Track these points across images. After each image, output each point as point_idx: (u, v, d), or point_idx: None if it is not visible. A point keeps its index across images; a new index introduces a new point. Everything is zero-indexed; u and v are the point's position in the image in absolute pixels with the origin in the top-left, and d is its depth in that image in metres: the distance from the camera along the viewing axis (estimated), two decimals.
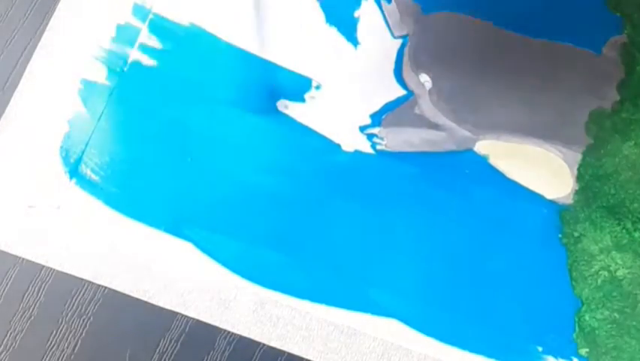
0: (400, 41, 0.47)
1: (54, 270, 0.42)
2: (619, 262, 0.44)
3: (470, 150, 0.46)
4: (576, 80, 0.47)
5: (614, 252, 0.44)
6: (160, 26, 0.47)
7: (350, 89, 0.46)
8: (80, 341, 0.42)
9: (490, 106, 0.46)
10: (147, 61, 0.46)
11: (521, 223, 0.44)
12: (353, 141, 0.46)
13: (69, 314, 0.42)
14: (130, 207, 0.43)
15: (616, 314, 0.43)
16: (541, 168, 0.46)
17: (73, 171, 0.44)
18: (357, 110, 0.46)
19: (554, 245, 0.44)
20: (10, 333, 0.41)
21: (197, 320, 0.42)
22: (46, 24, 0.46)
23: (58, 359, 0.41)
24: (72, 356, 0.41)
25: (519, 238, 0.44)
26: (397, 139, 0.46)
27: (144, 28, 0.47)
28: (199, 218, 0.43)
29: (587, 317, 0.43)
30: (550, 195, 0.45)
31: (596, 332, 0.43)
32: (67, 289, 0.42)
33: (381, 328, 0.42)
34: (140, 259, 0.43)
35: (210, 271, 0.43)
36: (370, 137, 0.46)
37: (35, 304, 0.42)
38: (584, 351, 0.43)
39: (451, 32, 0.47)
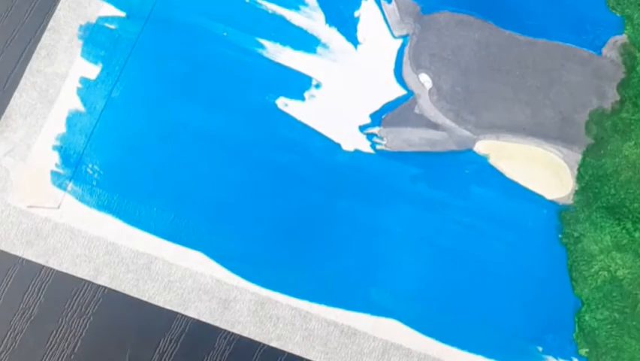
0: (400, 41, 0.47)
1: (54, 270, 0.42)
2: (619, 262, 0.44)
3: (470, 150, 0.46)
4: (576, 81, 0.47)
5: (614, 252, 0.44)
6: (160, 23, 0.47)
7: (350, 88, 0.46)
8: (80, 341, 0.42)
9: (490, 106, 0.46)
10: (146, 59, 0.46)
11: (521, 223, 0.44)
12: (353, 141, 0.46)
13: (69, 314, 0.42)
14: (129, 208, 0.43)
15: (616, 314, 0.43)
16: (541, 168, 0.46)
17: (73, 171, 0.44)
18: (357, 110, 0.46)
19: (554, 245, 0.44)
20: (10, 333, 0.41)
21: (197, 320, 0.42)
22: (46, 24, 0.46)
23: (58, 359, 0.41)
24: (72, 356, 0.41)
25: (519, 238, 0.44)
26: (397, 139, 0.46)
27: (144, 24, 0.47)
28: (198, 218, 0.43)
29: (587, 317, 0.43)
30: (550, 195, 0.45)
31: (596, 332, 0.43)
32: (67, 289, 0.42)
33: (381, 328, 0.42)
34: (140, 259, 0.43)
35: (210, 271, 0.43)
36: (370, 137, 0.46)
37: (35, 304, 0.42)
38: (584, 351, 0.43)
39: (451, 32, 0.47)
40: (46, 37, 0.46)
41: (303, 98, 0.46)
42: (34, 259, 0.42)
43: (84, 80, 0.45)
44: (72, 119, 0.45)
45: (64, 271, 0.42)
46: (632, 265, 0.44)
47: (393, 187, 0.45)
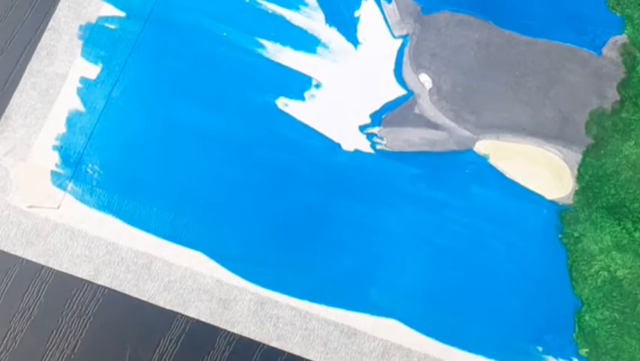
0: (400, 41, 0.47)
1: (54, 270, 0.42)
2: (619, 262, 0.44)
3: (470, 150, 0.46)
4: (576, 81, 0.47)
5: (614, 252, 0.44)
6: (160, 23, 0.47)
7: (350, 88, 0.46)
8: (79, 341, 0.42)
9: (490, 106, 0.46)
10: (146, 59, 0.46)
11: (521, 223, 0.44)
12: (353, 141, 0.46)
13: (69, 314, 0.42)
14: (129, 208, 0.43)
15: (616, 314, 0.43)
16: (541, 168, 0.46)
17: (73, 171, 0.44)
18: (357, 110, 0.46)
19: (554, 245, 0.44)
20: (10, 333, 0.41)
21: (197, 320, 0.42)
22: (46, 24, 0.46)
23: (58, 359, 0.41)
24: (72, 356, 0.41)
25: (519, 238, 0.44)
26: (397, 139, 0.46)
27: (144, 24, 0.47)
28: (198, 218, 0.43)
29: (587, 317, 0.43)
30: (550, 195, 0.45)
31: (596, 332, 0.43)
32: (68, 289, 0.42)
33: (381, 328, 0.42)
34: (140, 259, 0.43)
35: (210, 271, 0.43)
36: (370, 137, 0.46)
37: (35, 304, 0.42)
38: (584, 351, 0.43)
39: (451, 32, 0.47)
40: (46, 37, 0.46)
41: (303, 98, 0.46)
42: (34, 259, 0.42)
43: (84, 80, 0.45)
44: (72, 119, 0.45)
45: (64, 271, 0.42)
46: (632, 265, 0.44)
47: (393, 187, 0.45)
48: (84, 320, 0.42)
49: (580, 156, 0.46)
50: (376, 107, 0.46)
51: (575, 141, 0.46)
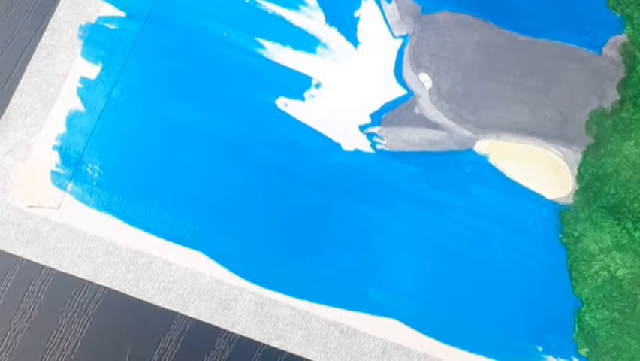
0: (400, 41, 0.47)
1: (54, 270, 0.42)
2: (619, 262, 0.44)
3: (470, 150, 0.46)
4: (576, 80, 0.47)
5: (614, 252, 0.44)
6: (160, 23, 0.47)
7: (350, 88, 0.46)
8: (79, 341, 0.42)
9: (490, 106, 0.46)
10: (146, 59, 0.46)
11: (521, 223, 0.44)
12: (353, 141, 0.46)
13: (69, 314, 0.42)
14: (129, 208, 0.43)
15: (616, 314, 0.43)
16: (542, 168, 0.46)
17: (73, 171, 0.44)
18: (357, 110, 0.46)
19: (554, 245, 0.44)
20: (10, 333, 0.41)
21: (197, 320, 0.42)
22: (46, 24, 0.46)
23: (58, 359, 0.41)
24: (72, 356, 0.41)
25: (519, 238, 0.44)
26: (397, 139, 0.46)
27: (144, 24, 0.47)
28: (198, 218, 0.43)
29: (587, 317, 0.43)
30: (550, 195, 0.45)
31: (596, 332, 0.43)
32: (67, 289, 0.42)
33: (381, 328, 0.42)
34: (140, 259, 0.43)
35: (210, 271, 0.43)
36: (370, 136, 0.46)
37: (35, 304, 0.42)
38: (584, 351, 0.43)
39: (451, 32, 0.47)
40: (46, 37, 0.46)
41: (303, 98, 0.46)
42: (34, 259, 0.42)
43: (84, 80, 0.45)
44: (72, 119, 0.45)
45: (64, 271, 0.42)
46: (632, 265, 0.44)
47: (393, 187, 0.45)
48: (84, 320, 0.42)
49: (580, 156, 0.46)
50: (376, 107, 0.46)
51: (575, 141, 0.46)
